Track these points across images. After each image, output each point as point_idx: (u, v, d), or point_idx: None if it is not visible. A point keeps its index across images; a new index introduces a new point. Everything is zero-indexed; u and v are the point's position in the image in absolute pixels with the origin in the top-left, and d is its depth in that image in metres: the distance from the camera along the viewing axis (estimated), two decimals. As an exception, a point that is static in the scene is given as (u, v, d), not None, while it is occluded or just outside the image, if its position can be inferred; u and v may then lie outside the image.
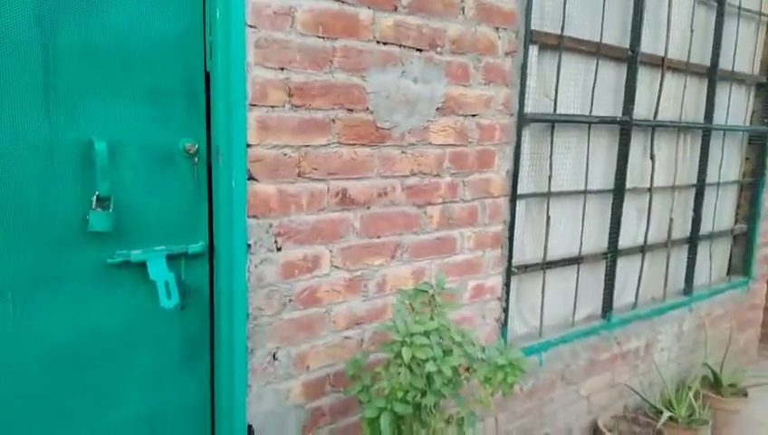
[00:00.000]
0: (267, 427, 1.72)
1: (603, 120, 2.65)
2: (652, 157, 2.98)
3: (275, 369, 1.72)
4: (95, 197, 1.41)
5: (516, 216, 2.28)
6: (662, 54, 2.86)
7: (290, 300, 1.72)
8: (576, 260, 2.69)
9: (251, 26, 1.51)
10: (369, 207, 1.84)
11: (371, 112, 1.79)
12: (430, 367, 1.51)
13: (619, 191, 2.80)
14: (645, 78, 2.84)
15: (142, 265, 1.51)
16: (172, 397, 1.63)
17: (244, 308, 1.62)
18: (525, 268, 2.44)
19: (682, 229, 3.34)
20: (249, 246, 1.61)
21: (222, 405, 1.67)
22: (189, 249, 1.58)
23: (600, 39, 2.52)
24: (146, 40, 1.45)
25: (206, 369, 1.69)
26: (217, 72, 1.51)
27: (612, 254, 2.84)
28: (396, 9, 1.78)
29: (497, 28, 2.05)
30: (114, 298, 1.50)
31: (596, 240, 2.82)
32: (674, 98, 3.06)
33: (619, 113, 2.74)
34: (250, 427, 1.68)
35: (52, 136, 1.36)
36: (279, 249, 1.67)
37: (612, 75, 2.71)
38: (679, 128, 3.13)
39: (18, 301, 1.37)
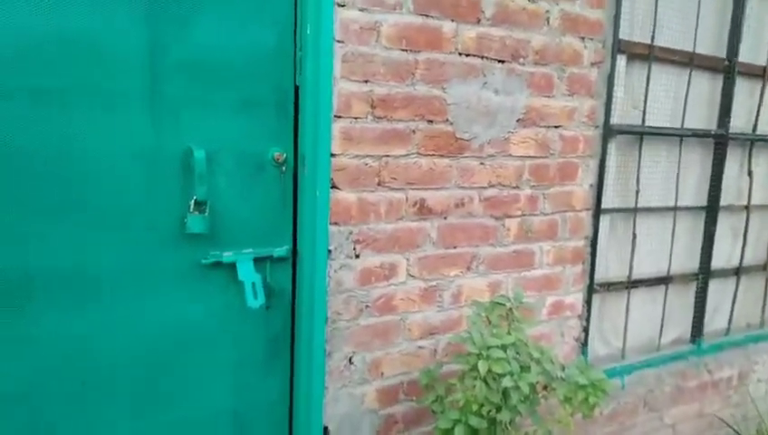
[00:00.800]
0: (342, 430, 1.76)
1: (696, 134, 2.51)
2: (750, 173, 2.78)
3: (351, 373, 1.76)
4: (193, 201, 1.51)
5: (600, 231, 2.20)
6: (763, 64, 2.67)
7: (366, 306, 1.75)
8: (664, 280, 2.55)
9: (338, 41, 1.57)
10: (446, 218, 1.85)
11: (451, 123, 1.80)
12: (507, 382, 1.49)
13: (712, 209, 2.63)
14: (743, 89, 2.67)
15: (232, 267, 1.60)
16: (254, 393, 1.71)
17: (323, 312, 1.67)
18: (608, 286, 2.34)
19: (784, 252, 3.07)
20: (330, 251, 1.66)
21: (300, 404, 1.73)
22: (275, 253, 1.66)
23: (694, 48, 2.40)
24: (242, 55, 1.54)
25: (287, 369, 1.75)
26: (306, 85, 1.59)
27: (704, 275, 2.66)
28: (479, 21, 1.79)
29: (583, 38, 2.01)
30: (206, 296, 1.59)
31: (686, 260, 2.66)
32: (777, 110, 2.84)
33: (713, 126, 2.59)
34: (326, 428, 1.72)
35: (157, 143, 1.48)
36: (357, 256, 1.71)
37: (706, 86, 2.56)
38: (783, 142, 2.90)
39: (122, 293, 1.49)
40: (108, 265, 1.46)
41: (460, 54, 1.78)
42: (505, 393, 1.54)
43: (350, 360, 1.75)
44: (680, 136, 2.47)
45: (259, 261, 1.64)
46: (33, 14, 1.31)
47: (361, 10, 1.59)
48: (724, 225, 2.75)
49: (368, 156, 1.68)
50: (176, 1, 1.45)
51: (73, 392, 1.47)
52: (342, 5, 1.56)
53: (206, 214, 1.53)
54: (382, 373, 1.81)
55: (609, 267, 2.40)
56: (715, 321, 2.83)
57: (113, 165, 1.44)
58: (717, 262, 2.73)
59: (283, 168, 1.65)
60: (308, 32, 1.56)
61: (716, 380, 2.74)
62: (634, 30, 2.24)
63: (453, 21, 1.74)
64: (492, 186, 1.92)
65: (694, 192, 2.64)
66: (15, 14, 1.29)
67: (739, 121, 2.67)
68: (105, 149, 1.42)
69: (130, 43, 1.41)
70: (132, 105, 1.44)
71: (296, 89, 1.63)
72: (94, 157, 1.41)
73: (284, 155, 1.64)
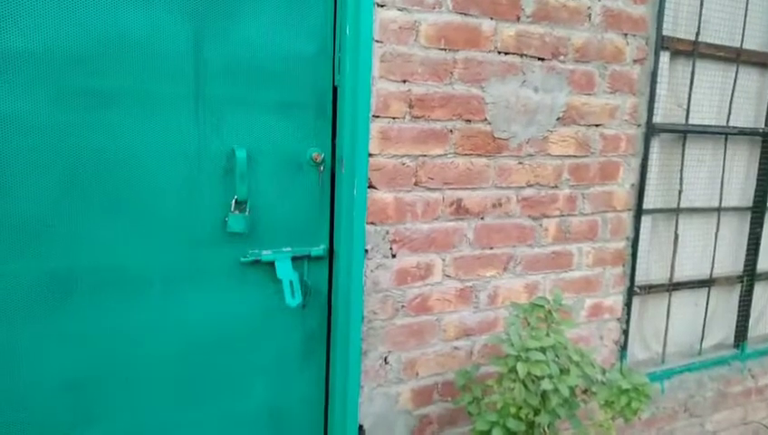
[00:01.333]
0: (377, 429, 1.77)
1: (743, 132, 2.42)
2: (800, 172, 2.67)
3: (386, 372, 1.76)
4: (234, 200, 1.54)
5: (641, 232, 2.14)
6: (816, 58, 2.56)
7: (402, 306, 1.75)
8: (706, 283, 2.47)
9: (377, 41, 1.57)
10: (482, 218, 1.83)
11: (489, 123, 1.78)
12: (546, 385, 1.46)
13: (758, 209, 2.54)
14: (794, 84, 2.56)
15: (271, 265, 1.62)
16: (291, 390, 1.73)
17: (359, 311, 1.68)
18: (649, 289, 2.28)
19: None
20: (366, 251, 1.67)
21: (336, 402, 1.74)
22: (312, 252, 1.67)
23: (741, 44, 2.32)
24: (282, 57, 1.56)
25: (322, 367, 1.77)
26: (345, 85, 1.59)
27: (749, 278, 2.57)
28: (518, 19, 1.76)
29: (626, 35, 1.96)
30: (245, 294, 1.62)
31: (730, 262, 2.58)
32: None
33: (761, 124, 2.49)
34: (361, 427, 1.73)
35: (201, 144, 1.51)
36: (394, 256, 1.71)
37: (754, 83, 2.47)
38: (835, 140, 2.77)
39: (165, 290, 1.53)
40: (151, 263, 1.50)
41: (499, 53, 1.76)
42: (544, 396, 1.52)
43: (385, 359, 1.75)
44: (725, 134, 2.39)
45: (297, 260, 1.66)
46: (85, 17, 1.35)
47: (401, 10, 1.58)
48: (772, 226, 2.66)
49: (405, 156, 1.67)
50: (219, 4, 1.47)
51: (118, 385, 1.52)
52: (382, 6, 1.55)
53: (247, 213, 1.55)
54: (417, 373, 1.81)
55: (651, 269, 2.34)
56: (760, 325, 2.74)
57: (158, 165, 1.47)
58: (763, 264, 2.63)
59: (321, 168, 1.66)
60: (347, 32, 1.56)
61: (761, 386, 2.65)
62: (678, 26, 2.17)
63: (492, 19, 1.72)
64: (530, 186, 1.89)
65: (739, 192, 2.55)
66: (74, 16, 1.34)
67: (789, 119, 2.57)
68: (151, 148, 1.46)
69: (176, 45, 1.45)
70: (178, 106, 1.47)
71: (335, 89, 1.64)
72: (140, 156, 1.45)
73: (322, 155, 1.65)
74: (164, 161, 1.47)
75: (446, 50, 1.67)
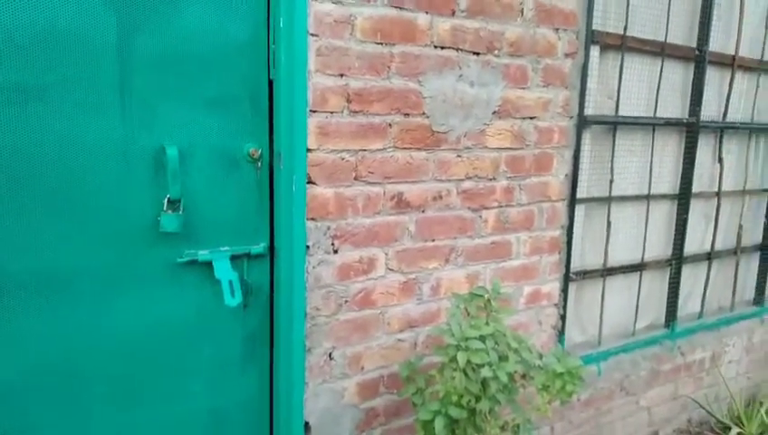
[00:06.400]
0: (323, 424, 1.76)
1: (668, 122, 2.55)
2: (720, 160, 2.84)
3: (331, 368, 1.76)
4: (166, 199, 1.49)
5: (575, 220, 2.23)
6: (732, 53, 2.72)
7: (345, 301, 1.75)
8: (638, 267, 2.60)
9: (312, 35, 1.55)
10: (423, 211, 1.85)
11: (427, 117, 1.80)
12: (486, 372, 1.50)
13: (684, 196, 2.69)
14: (713, 78, 2.72)
15: (208, 265, 1.58)
16: (233, 391, 1.70)
17: (302, 308, 1.66)
18: (584, 274, 2.38)
19: (752, 236, 3.16)
20: (308, 247, 1.65)
21: (280, 401, 1.73)
22: (252, 250, 1.64)
23: (666, 38, 2.43)
24: (214, 49, 1.52)
25: (266, 366, 1.75)
26: (280, 79, 1.56)
27: (677, 261, 2.72)
28: (453, 13, 1.78)
29: (557, 29, 2.02)
30: (182, 295, 1.57)
31: (660, 246, 2.72)
32: (745, 98, 2.91)
33: (685, 115, 2.63)
34: (307, 424, 1.73)
35: (128, 139, 1.45)
36: (336, 251, 1.71)
37: (678, 75, 2.60)
38: (751, 129, 2.96)
39: (97, 292, 1.47)
40: (81, 264, 1.44)
41: (435, 47, 1.77)
42: (484, 383, 1.55)
43: (329, 355, 1.75)
44: (653, 125, 2.51)
45: (236, 259, 1.62)
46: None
47: (335, 3, 1.57)
48: (697, 211, 2.82)
49: (344, 150, 1.67)
50: (144, -6, 1.41)
51: (51, 391, 1.45)
52: (315, -2, 1.54)
53: (181, 212, 1.51)
54: (362, 367, 1.82)
55: (585, 256, 2.44)
56: (688, 305, 2.90)
57: (85, 161, 1.40)
58: (690, 247, 2.79)
59: (259, 163, 1.63)
60: (281, 25, 1.54)
61: (689, 362, 2.81)
62: (607, 21, 2.26)
63: (427, 13, 1.73)
64: (469, 178, 1.92)
65: (667, 180, 2.69)
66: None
67: (710, 110, 2.73)
68: (76, 145, 1.39)
69: (99, 34, 1.38)
70: (102, 99, 1.40)
71: (270, 83, 1.61)
72: (66, 153, 1.38)
73: (260, 151, 1.62)
74: (90, 158, 1.41)
75: (382, 44, 1.67)
